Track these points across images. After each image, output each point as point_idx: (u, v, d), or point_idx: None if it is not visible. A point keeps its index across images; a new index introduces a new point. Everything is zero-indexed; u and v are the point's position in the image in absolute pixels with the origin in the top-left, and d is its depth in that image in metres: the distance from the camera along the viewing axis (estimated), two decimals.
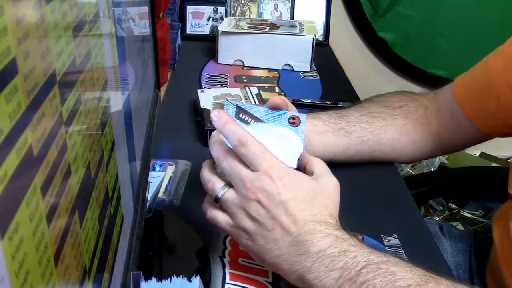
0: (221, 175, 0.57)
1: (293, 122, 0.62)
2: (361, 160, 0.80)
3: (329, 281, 0.49)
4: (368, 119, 0.78)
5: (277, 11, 1.51)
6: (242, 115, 0.61)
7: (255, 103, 0.97)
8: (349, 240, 0.51)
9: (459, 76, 0.80)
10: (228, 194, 0.54)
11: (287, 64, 1.25)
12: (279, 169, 0.53)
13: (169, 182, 0.77)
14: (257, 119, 0.61)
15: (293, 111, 0.64)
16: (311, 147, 0.72)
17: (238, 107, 0.61)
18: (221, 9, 1.46)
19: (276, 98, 0.63)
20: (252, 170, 0.53)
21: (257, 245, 0.53)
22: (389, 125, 0.79)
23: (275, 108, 0.63)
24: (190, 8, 1.45)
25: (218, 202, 0.55)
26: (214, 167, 0.58)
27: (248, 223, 0.53)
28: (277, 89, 1.14)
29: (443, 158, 1.70)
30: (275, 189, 0.52)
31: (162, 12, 1.08)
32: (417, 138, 0.80)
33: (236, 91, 1.02)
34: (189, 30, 1.46)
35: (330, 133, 0.76)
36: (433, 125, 0.79)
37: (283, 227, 0.52)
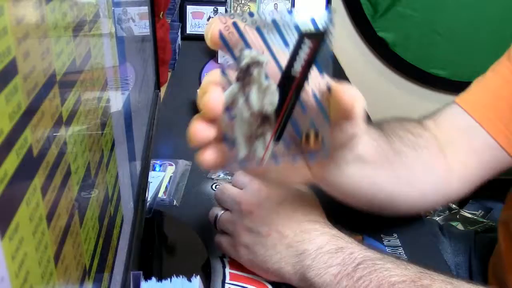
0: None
1: (308, 138, 0.38)
2: (380, 209, 0.60)
3: (329, 277, 0.49)
4: (404, 148, 0.59)
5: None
6: (306, 46, 0.35)
7: None
8: (345, 238, 0.53)
9: (463, 97, 0.67)
10: (224, 216, 0.58)
11: None
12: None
13: (169, 182, 0.77)
14: (306, 73, 0.36)
15: (342, 136, 0.42)
16: (341, 176, 0.50)
17: (322, 35, 0.35)
18: (221, 9, 1.46)
19: (348, 91, 0.38)
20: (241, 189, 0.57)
21: (258, 256, 0.54)
22: (418, 159, 0.61)
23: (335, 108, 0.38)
24: (190, 8, 1.45)
25: (217, 227, 0.59)
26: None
27: (246, 237, 0.54)
28: None
29: None
30: (263, 195, 0.54)
31: (162, 12, 1.08)
32: (438, 178, 0.63)
33: None
34: (189, 30, 1.46)
35: (376, 165, 0.53)
36: (448, 160, 0.63)
37: (278, 231, 0.53)
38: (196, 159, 0.40)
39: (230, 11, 1.49)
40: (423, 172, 0.61)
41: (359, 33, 1.70)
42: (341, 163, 0.48)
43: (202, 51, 1.33)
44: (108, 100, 0.42)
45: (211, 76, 0.38)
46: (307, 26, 0.35)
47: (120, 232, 0.45)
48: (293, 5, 1.51)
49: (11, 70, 0.21)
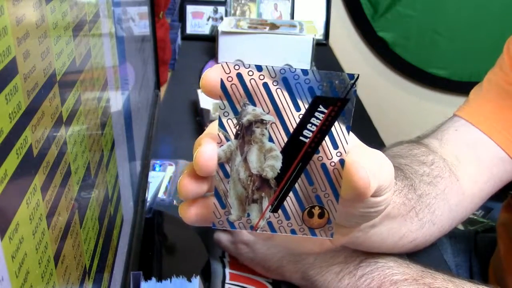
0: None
1: (312, 214, 0.33)
2: (399, 252, 0.54)
3: (331, 276, 0.49)
4: (425, 189, 0.56)
5: (277, 11, 1.51)
6: (321, 113, 0.30)
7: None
8: None
9: (465, 110, 0.65)
10: None
11: (287, 64, 1.25)
12: None
13: (169, 182, 0.77)
14: (318, 141, 0.31)
15: (362, 208, 0.35)
16: (367, 240, 0.46)
17: (344, 100, 0.30)
18: (221, 9, 1.46)
19: (362, 171, 0.30)
20: None
21: (259, 254, 0.54)
22: (437, 196, 0.57)
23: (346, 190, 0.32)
24: (190, 8, 1.45)
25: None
26: None
27: (246, 234, 0.54)
28: None
29: None
30: None
31: (162, 12, 1.08)
32: (453, 204, 0.60)
33: None
34: (189, 30, 1.46)
35: (402, 219, 0.50)
36: (460, 182, 0.61)
37: None
38: (179, 211, 0.34)
39: (230, 11, 1.49)
40: (441, 207, 0.58)
41: (359, 33, 1.70)
42: (367, 227, 0.43)
43: (202, 51, 1.33)
44: (108, 100, 0.42)
45: (210, 128, 0.34)
46: (324, 91, 0.30)
47: (120, 232, 0.45)
48: (293, 5, 1.51)
49: (11, 70, 0.21)
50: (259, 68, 0.31)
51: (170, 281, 0.53)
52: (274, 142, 0.31)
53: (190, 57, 1.31)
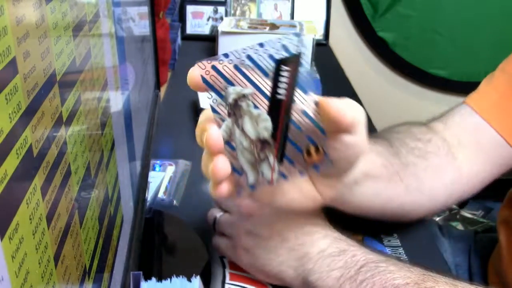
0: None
1: (310, 154, 0.39)
2: (395, 218, 0.63)
3: (331, 281, 0.49)
4: (414, 159, 0.61)
5: (277, 11, 1.51)
6: (284, 71, 0.37)
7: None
8: (347, 240, 0.52)
9: (473, 97, 0.68)
10: (223, 218, 0.56)
11: None
12: None
13: (169, 182, 0.77)
14: (291, 95, 0.38)
15: (342, 146, 0.42)
16: (351, 196, 0.53)
17: (297, 56, 0.38)
18: (221, 9, 1.46)
19: (334, 104, 0.40)
20: None
21: (259, 259, 0.53)
22: (428, 167, 0.62)
23: (329, 123, 0.40)
24: (190, 8, 1.46)
25: (215, 228, 0.58)
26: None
27: (246, 240, 0.54)
28: None
29: None
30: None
31: (162, 12, 1.08)
32: (448, 180, 0.64)
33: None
34: (189, 30, 1.46)
35: (385, 180, 0.56)
36: (458, 161, 0.65)
37: (279, 234, 0.52)
38: (212, 193, 0.42)
39: (230, 11, 1.49)
40: (432, 179, 0.62)
41: (359, 33, 1.70)
42: (350, 183, 0.50)
43: (202, 51, 1.33)
44: (108, 100, 0.42)
45: (205, 115, 0.41)
46: (281, 54, 0.37)
47: (120, 232, 0.45)
48: (293, 5, 1.51)
49: (11, 70, 0.21)
50: (226, 55, 0.37)
51: (170, 281, 0.53)
52: (259, 109, 0.38)
53: (190, 57, 1.31)
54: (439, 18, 1.65)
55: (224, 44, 1.24)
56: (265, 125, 0.38)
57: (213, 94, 0.38)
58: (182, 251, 0.65)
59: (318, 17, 1.51)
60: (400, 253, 0.66)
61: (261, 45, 0.37)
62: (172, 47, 1.18)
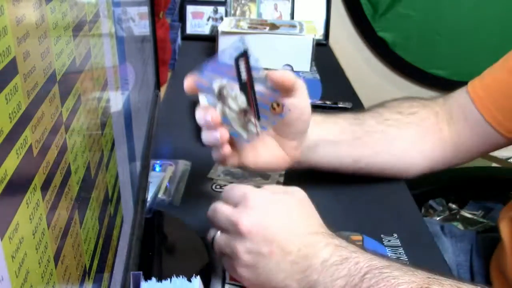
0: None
1: (274, 108, 0.58)
2: (368, 174, 0.75)
3: None
4: (384, 128, 0.74)
5: (277, 11, 1.51)
6: (241, 62, 0.56)
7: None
8: (349, 247, 0.51)
9: (474, 80, 0.76)
10: (221, 238, 0.55)
11: (287, 64, 1.25)
12: (255, 194, 0.54)
13: (169, 182, 0.77)
14: (250, 76, 0.56)
15: (291, 106, 0.59)
16: (316, 156, 0.69)
17: (245, 52, 0.56)
18: (221, 9, 1.46)
19: (277, 73, 0.57)
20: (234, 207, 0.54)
21: (261, 276, 0.52)
22: (403, 135, 0.74)
23: (277, 86, 0.58)
24: (190, 8, 1.45)
25: (213, 248, 0.56)
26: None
27: (247, 258, 0.52)
28: None
29: None
30: (260, 212, 0.52)
31: (162, 12, 1.08)
32: (428, 147, 0.75)
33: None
34: (189, 30, 1.46)
35: (345, 144, 0.71)
36: (444, 132, 0.75)
37: (281, 248, 0.51)
38: (216, 157, 0.60)
39: (230, 11, 1.49)
40: (406, 144, 0.75)
41: (359, 33, 1.71)
42: (311, 145, 0.67)
43: (202, 51, 1.33)
44: (108, 100, 0.42)
45: (202, 105, 0.59)
46: (236, 54, 0.56)
47: (120, 232, 0.45)
48: (293, 5, 1.51)
49: (11, 70, 0.21)
50: (205, 65, 0.59)
51: (170, 281, 0.53)
52: (234, 91, 0.57)
53: (190, 57, 1.31)
54: (439, 18, 1.65)
55: (224, 44, 1.24)
56: (242, 100, 0.57)
57: (205, 91, 0.58)
58: (182, 251, 0.65)
59: (318, 17, 1.51)
60: (400, 253, 0.66)
61: (222, 52, 0.57)
62: (172, 47, 1.18)
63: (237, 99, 0.57)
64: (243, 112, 0.57)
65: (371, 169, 0.75)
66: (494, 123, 0.72)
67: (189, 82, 0.58)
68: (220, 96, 0.56)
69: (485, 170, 1.42)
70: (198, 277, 0.54)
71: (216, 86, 0.56)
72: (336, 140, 0.70)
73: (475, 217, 1.26)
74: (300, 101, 0.61)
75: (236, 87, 0.56)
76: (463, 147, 0.75)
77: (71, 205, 0.30)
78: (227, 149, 0.58)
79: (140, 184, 0.57)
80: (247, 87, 0.56)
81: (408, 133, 0.75)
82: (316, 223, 0.54)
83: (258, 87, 0.57)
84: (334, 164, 0.72)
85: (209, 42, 1.34)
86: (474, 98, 0.73)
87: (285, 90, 0.59)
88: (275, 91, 0.57)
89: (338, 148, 0.70)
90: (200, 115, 0.58)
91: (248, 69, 0.56)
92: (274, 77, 0.57)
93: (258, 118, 0.57)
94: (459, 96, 0.76)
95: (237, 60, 0.56)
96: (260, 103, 0.57)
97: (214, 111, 0.57)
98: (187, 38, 1.44)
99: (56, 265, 0.27)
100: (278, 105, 0.58)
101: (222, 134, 0.57)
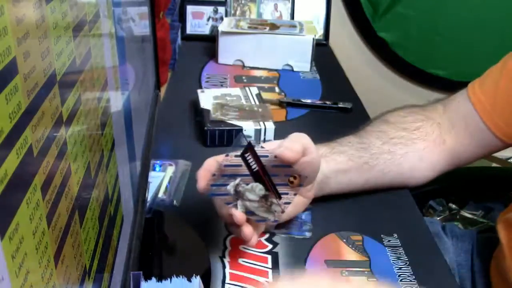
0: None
1: (292, 182, 0.58)
2: (376, 189, 0.77)
3: None
4: (390, 148, 0.75)
5: (277, 11, 1.51)
6: (248, 156, 0.57)
7: (255, 103, 0.97)
8: None
9: (474, 83, 0.77)
10: None
11: (287, 64, 1.25)
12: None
13: (169, 182, 0.77)
14: (260, 164, 0.57)
15: (304, 164, 0.59)
16: (328, 187, 0.70)
17: (249, 144, 0.57)
18: (221, 9, 1.46)
19: (286, 152, 0.56)
20: None
21: None
22: (410, 152, 0.76)
23: (289, 163, 0.57)
24: (190, 8, 1.45)
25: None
26: None
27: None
28: (277, 89, 1.14)
29: None
30: None
31: (162, 12, 1.08)
32: (435, 160, 0.77)
33: (236, 91, 1.02)
34: (189, 30, 1.46)
35: (354, 170, 0.72)
36: (448, 143, 0.77)
37: None
38: (243, 236, 0.59)
39: (230, 11, 1.49)
40: (413, 161, 0.76)
41: (359, 33, 1.70)
42: (323, 180, 0.68)
43: (202, 51, 1.33)
44: (108, 100, 0.42)
45: (222, 205, 0.59)
46: (241, 148, 0.57)
47: (120, 232, 0.45)
48: (293, 5, 1.51)
49: (11, 70, 0.21)
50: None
51: (170, 281, 0.53)
52: (249, 184, 0.58)
53: (190, 57, 1.31)
54: (439, 18, 1.65)
55: (224, 44, 1.24)
56: (259, 188, 0.58)
57: (222, 197, 0.58)
58: (182, 251, 0.65)
59: (318, 17, 1.51)
60: (400, 253, 0.66)
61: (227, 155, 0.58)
62: (172, 47, 1.18)
63: (254, 190, 0.58)
64: (264, 198, 0.58)
65: (381, 187, 0.77)
66: (495, 128, 0.73)
67: (206, 185, 0.58)
68: (237, 194, 0.57)
69: (485, 170, 1.42)
70: (198, 277, 0.54)
71: (231, 188, 0.57)
72: (345, 168, 0.71)
73: (475, 217, 1.26)
74: (313, 157, 0.60)
75: (248, 179, 0.58)
76: (464, 154, 0.78)
77: (71, 205, 0.30)
78: (254, 240, 0.59)
79: (140, 184, 0.57)
80: (260, 175, 0.57)
81: (415, 149, 0.76)
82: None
83: (270, 170, 0.57)
84: (346, 189, 0.74)
85: (209, 42, 1.34)
86: (475, 103, 0.74)
87: (297, 159, 0.58)
88: (287, 166, 0.57)
89: (348, 176, 0.72)
90: (229, 219, 0.59)
91: (257, 158, 0.57)
92: (285, 157, 0.56)
93: (279, 197, 0.58)
94: (460, 102, 0.77)
95: (243, 156, 0.57)
96: (278, 183, 0.58)
97: (237, 212, 0.57)
98: (187, 38, 1.44)
99: (56, 265, 0.27)
100: (295, 177, 0.58)
101: (247, 230, 0.58)
